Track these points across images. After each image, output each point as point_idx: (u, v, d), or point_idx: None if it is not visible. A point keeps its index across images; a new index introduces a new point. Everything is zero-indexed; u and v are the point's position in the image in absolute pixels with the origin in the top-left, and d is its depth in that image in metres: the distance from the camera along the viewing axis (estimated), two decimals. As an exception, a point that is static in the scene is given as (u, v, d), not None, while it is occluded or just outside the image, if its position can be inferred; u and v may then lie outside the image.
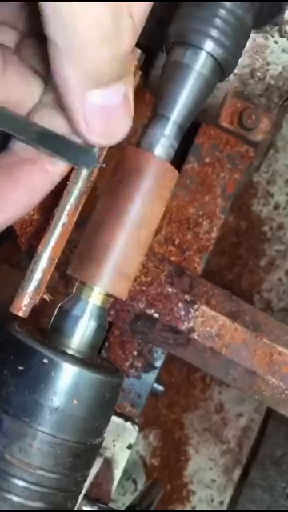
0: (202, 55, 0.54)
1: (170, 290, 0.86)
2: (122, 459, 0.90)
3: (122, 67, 0.46)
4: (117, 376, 0.53)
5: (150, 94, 0.98)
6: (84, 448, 0.51)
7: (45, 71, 0.54)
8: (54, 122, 0.52)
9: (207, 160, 0.95)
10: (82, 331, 0.52)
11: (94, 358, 0.54)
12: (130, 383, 0.94)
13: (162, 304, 0.85)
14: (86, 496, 0.84)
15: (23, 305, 0.51)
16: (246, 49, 0.59)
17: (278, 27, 0.75)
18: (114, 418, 0.56)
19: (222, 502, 1.35)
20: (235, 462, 1.36)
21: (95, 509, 0.84)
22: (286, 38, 0.77)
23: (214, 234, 0.96)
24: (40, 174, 0.53)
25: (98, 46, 0.44)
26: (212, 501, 1.35)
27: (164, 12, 0.61)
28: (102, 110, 0.47)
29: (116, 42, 0.45)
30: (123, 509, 0.90)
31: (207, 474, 1.36)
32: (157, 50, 0.84)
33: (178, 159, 0.90)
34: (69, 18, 0.43)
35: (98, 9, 0.43)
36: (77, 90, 0.46)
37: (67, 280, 0.71)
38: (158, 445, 1.36)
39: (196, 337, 0.86)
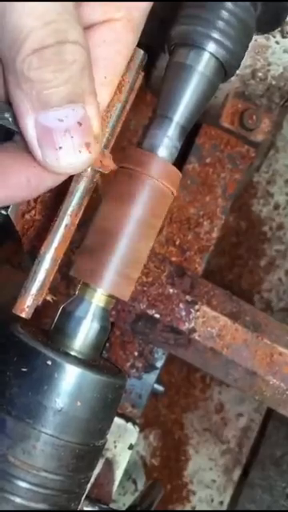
0: (205, 56, 0.54)
1: (170, 290, 0.86)
2: (122, 460, 0.90)
3: (74, 91, 0.45)
4: (119, 377, 0.53)
5: (152, 95, 0.98)
6: (87, 449, 0.51)
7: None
8: None
9: (208, 160, 0.95)
10: (84, 332, 0.52)
11: (97, 359, 0.54)
12: (131, 384, 0.94)
13: (163, 304, 0.85)
14: (87, 496, 0.83)
15: (26, 306, 0.51)
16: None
17: (279, 28, 0.75)
18: (115, 419, 0.56)
19: (221, 502, 1.35)
20: (235, 462, 1.36)
21: (96, 509, 0.84)
22: (287, 39, 0.77)
23: (214, 234, 0.96)
24: None
25: (40, 69, 0.44)
26: (212, 501, 1.35)
27: (166, 12, 0.61)
28: (53, 134, 0.46)
29: (59, 66, 0.44)
30: (124, 509, 0.90)
31: (207, 474, 1.36)
32: (159, 51, 0.84)
33: (179, 159, 0.90)
34: (14, 38, 0.43)
35: (40, 32, 0.43)
36: (26, 113, 0.46)
37: (69, 281, 0.71)
38: (158, 445, 1.36)
39: (197, 337, 0.87)
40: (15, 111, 0.47)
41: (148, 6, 0.52)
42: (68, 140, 0.46)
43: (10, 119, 0.48)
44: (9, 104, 0.48)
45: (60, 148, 0.46)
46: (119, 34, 0.51)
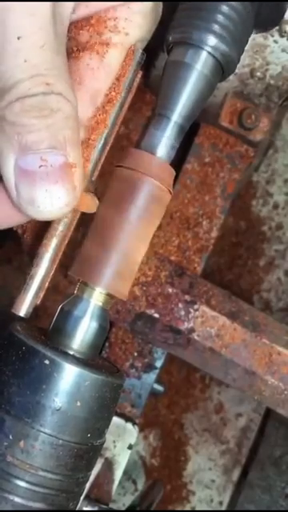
0: (203, 55, 0.54)
1: (170, 290, 0.86)
2: (122, 460, 0.89)
3: (56, 137, 0.46)
4: (118, 376, 0.53)
5: (151, 94, 0.98)
6: (86, 449, 0.51)
7: None
8: None
9: (207, 160, 0.95)
10: (83, 332, 0.52)
11: (96, 358, 0.54)
12: (131, 383, 0.94)
13: (162, 304, 0.85)
14: (86, 496, 0.84)
15: (25, 305, 0.51)
16: (245, 48, 0.59)
17: (277, 27, 0.75)
18: (114, 419, 0.56)
19: (221, 503, 1.35)
20: (234, 462, 1.36)
21: (96, 509, 0.84)
22: (285, 38, 0.78)
23: (213, 234, 0.96)
24: None
25: (23, 114, 0.45)
26: (211, 501, 1.35)
27: (164, 12, 0.60)
28: (31, 177, 0.46)
29: (42, 113, 0.45)
30: (124, 509, 0.90)
31: (207, 475, 1.36)
32: (158, 50, 0.84)
33: (178, 159, 0.90)
34: (0, 86, 0.45)
35: (26, 83, 0.44)
36: (7, 155, 0.46)
37: (69, 280, 0.71)
38: (157, 445, 1.36)
39: (196, 337, 0.87)
40: None
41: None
42: (45, 185, 0.46)
43: None
44: None
45: (36, 192, 0.47)
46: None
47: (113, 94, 0.53)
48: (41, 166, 0.46)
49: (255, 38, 0.78)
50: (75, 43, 0.52)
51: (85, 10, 0.51)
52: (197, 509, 1.35)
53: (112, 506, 0.88)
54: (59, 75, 0.46)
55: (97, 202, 0.53)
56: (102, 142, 0.53)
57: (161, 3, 0.55)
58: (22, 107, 0.45)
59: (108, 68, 0.52)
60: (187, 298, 0.86)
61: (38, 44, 0.44)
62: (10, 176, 0.47)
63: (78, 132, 0.48)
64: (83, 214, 0.54)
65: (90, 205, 0.52)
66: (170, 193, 0.54)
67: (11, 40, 0.44)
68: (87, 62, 0.52)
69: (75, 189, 0.48)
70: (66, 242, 0.54)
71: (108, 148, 0.54)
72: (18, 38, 0.44)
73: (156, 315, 0.86)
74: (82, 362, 0.51)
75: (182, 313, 0.86)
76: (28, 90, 0.45)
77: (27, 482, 0.49)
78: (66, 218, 0.53)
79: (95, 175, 0.54)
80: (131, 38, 0.53)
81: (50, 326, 0.54)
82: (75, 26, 0.52)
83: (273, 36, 0.77)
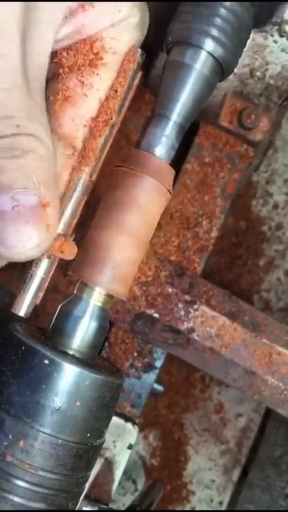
0: (203, 55, 0.54)
1: (169, 290, 0.86)
2: (122, 460, 0.89)
3: (28, 177, 0.46)
4: (117, 376, 0.53)
5: (150, 94, 0.98)
6: (85, 449, 0.51)
7: None
8: None
9: (207, 160, 0.95)
10: (82, 332, 0.52)
11: (95, 358, 0.54)
12: (131, 383, 0.94)
13: (162, 304, 0.85)
14: (86, 496, 0.84)
15: (25, 305, 0.51)
16: (245, 48, 0.59)
17: (277, 27, 0.75)
18: (114, 419, 0.56)
19: (221, 503, 1.35)
20: (234, 462, 1.36)
21: (96, 509, 0.83)
22: (285, 38, 0.77)
23: (213, 234, 0.96)
24: None
25: None
26: (211, 501, 1.35)
27: (164, 11, 0.61)
28: (1, 217, 0.46)
29: (13, 153, 0.45)
30: (123, 509, 0.90)
31: (207, 475, 1.35)
32: (157, 50, 0.84)
33: (178, 159, 0.90)
34: None
35: None
36: None
37: (68, 280, 0.71)
38: (157, 445, 1.36)
39: (196, 337, 0.87)
40: None
41: None
42: (16, 225, 0.46)
43: None
44: None
45: (7, 232, 0.46)
46: None
47: (113, 94, 0.53)
48: (13, 206, 0.46)
49: (255, 38, 0.78)
50: (60, 67, 0.51)
51: (78, 35, 0.51)
52: (197, 509, 1.35)
53: (112, 506, 0.88)
54: (30, 116, 0.46)
55: (75, 248, 0.52)
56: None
57: (147, 14, 0.55)
58: None
59: (96, 89, 0.52)
60: (187, 297, 0.86)
61: (4, 86, 0.45)
62: None
63: (53, 172, 0.48)
64: (83, 215, 0.54)
65: (69, 251, 0.52)
66: (170, 192, 0.54)
67: None
68: (74, 83, 0.51)
69: (48, 229, 0.48)
70: (66, 241, 0.54)
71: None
72: None
73: (156, 315, 0.86)
74: (81, 361, 0.51)
75: (182, 313, 0.86)
76: None
77: (27, 481, 0.49)
78: (64, 219, 0.53)
79: (94, 176, 0.54)
80: (119, 56, 0.53)
81: (50, 325, 0.54)
82: (60, 50, 0.51)
83: (272, 36, 0.77)
